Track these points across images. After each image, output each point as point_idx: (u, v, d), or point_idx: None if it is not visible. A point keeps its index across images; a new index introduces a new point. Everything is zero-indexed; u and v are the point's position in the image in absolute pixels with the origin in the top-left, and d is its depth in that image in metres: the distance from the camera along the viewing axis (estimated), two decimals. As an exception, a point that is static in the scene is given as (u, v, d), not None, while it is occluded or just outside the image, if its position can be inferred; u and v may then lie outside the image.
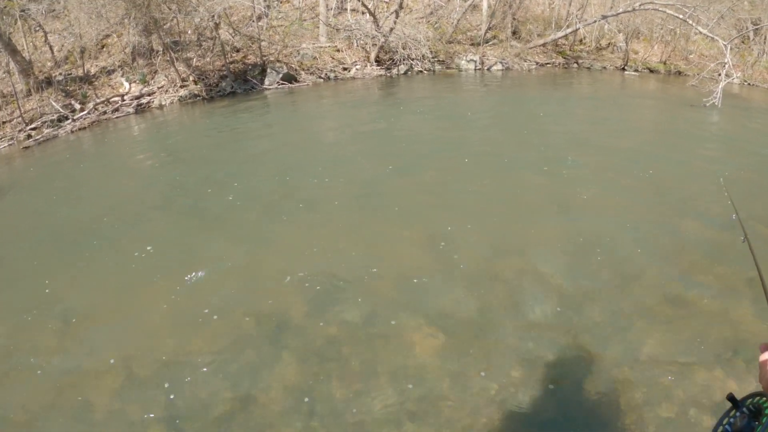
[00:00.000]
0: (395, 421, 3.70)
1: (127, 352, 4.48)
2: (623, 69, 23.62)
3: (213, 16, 16.49)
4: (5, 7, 17.46)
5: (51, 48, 17.90)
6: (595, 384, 4.01)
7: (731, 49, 17.30)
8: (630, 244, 6.00)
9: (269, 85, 16.31)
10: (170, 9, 17.49)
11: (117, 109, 16.36)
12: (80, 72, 17.77)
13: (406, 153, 9.50)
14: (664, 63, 24.70)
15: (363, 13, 18.76)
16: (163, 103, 16.52)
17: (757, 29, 26.43)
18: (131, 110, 16.37)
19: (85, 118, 15.98)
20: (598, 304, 4.91)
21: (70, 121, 15.85)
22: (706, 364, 4.19)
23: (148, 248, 6.22)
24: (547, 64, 21.85)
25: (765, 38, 26.70)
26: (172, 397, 3.99)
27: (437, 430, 3.63)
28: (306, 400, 3.92)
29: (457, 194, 7.52)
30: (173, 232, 6.82)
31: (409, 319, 4.75)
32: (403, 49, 17.70)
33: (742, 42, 26.66)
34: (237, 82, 16.60)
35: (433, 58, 18.43)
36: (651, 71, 24.14)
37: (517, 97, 15.77)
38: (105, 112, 16.27)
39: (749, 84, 24.09)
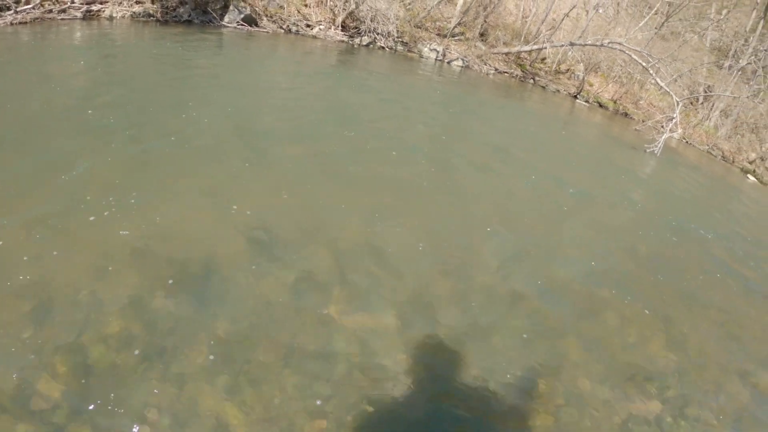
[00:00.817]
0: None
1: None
2: (575, 97, 24.47)
3: None
4: None
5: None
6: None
7: (680, 106, 18.33)
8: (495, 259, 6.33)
9: (228, 23, 15.92)
10: None
11: (64, 11, 15.58)
12: (32, -36, 16.82)
13: (341, 126, 9.48)
14: (615, 102, 25.79)
15: (339, -25, 18.64)
16: (114, 15, 15.85)
17: (708, 96, 28.11)
18: (79, 15, 15.63)
19: (28, 12, 15.13)
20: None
21: (12, 11, 14.99)
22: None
23: (63, 177, 5.69)
24: (506, 72, 22.34)
25: (712, 105, 28.46)
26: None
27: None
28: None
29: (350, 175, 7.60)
30: (98, 163, 6.35)
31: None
32: (371, 21, 17.67)
33: (691, 103, 28.32)
34: (196, 11, 16.08)
35: (398, 37, 18.50)
36: (600, 105, 25.16)
37: (467, 97, 16.08)
38: (51, 11, 15.47)
39: (687, 142, 25.62)
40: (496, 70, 21.79)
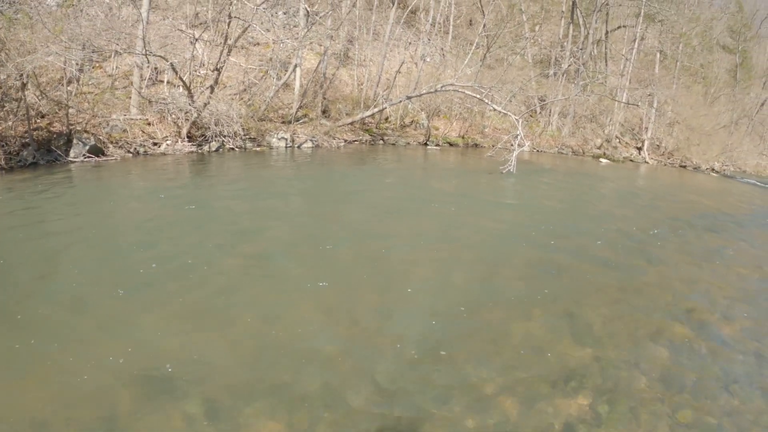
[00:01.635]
0: None
1: None
2: (426, 144, 26.91)
3: (22, 75, 15.99)
4: None
5: None
6: None
7: (522, 122, 20.78)
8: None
9: (75, 158, 16.20)
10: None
11: None
12: None
13: (213, 235, 10.19)
14: (463, 137, 28.54)
15: (177, 86, 19.52)
16: (-47, 169, 15.78)
17: (543, 105, 31.79)
18: None
19: None
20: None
21: None
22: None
23: None
24: (355, 141, 24.24)
25: (550, 111, 32.27)
26: None
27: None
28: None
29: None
30: None
31: None
32: (216, 125, 18.63)
33: (531, 115, 31.88)
34: (40, 151, 16.19)
35: (244, 135, 19.63)
36: (451, 145, 27.84)
37: (324, 174, 17.43)
38: None
39: (538, 150, 29.33)
40: (345, 141, 23.62)
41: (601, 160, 29.36)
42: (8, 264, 9.21)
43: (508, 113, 21.95)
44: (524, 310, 7.58)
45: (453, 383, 5.76)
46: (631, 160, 30.27)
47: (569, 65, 33.11)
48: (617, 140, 32.34)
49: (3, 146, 16.15)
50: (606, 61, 35.81)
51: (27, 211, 12.16)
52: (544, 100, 31.63)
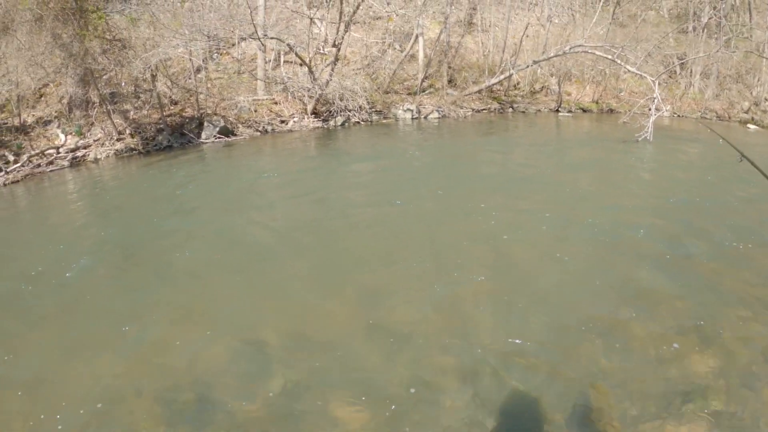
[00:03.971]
0: None
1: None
2: (557, 111, 24.73)
3: (149, 67, 16.63)
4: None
5: (-12, 95, 17.67)
6: None
7: (659, 84, 18.33)
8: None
9: (206, 139, 16.49)
10: (107, 60, 17.59)
11: (51, 162, 16.25)
12: (16, 122, 17.60)
13: (343, 209, 9.68)
14: (596, 102, 25.98)
15: (300, 65, 19.22)
16: (99, 156, 16.50)
17: (683, 63, 28.16)
18: (66, 163, 16.28)
19: (18, 171, 15.81)
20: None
21: (2, 173, 15.67)
22: None
23: (71, 322, 6.12)
24: (483, 110, 22.71)
25: (691, 71, 28.50)
26: None
27: None
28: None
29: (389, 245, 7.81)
30: (98, 298, 6.82)
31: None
32: (341, 100, 18.16)
33: (670, 77, 28.38)
34: (174, 135, 16.71)
35: (370, 108, 18.96)
36: (584, 111, 25.38)
37: (450, 144, 16.38)
38: (39, 165, 16.14)
39: (678, 116, 25.73)
40: (473, 110, 22.18)
41: (749, 126, 25.03)
42: (148, 225, 9.22)
43: (644, 74, 19.39)
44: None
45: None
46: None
47: (709, 18, 29.09)
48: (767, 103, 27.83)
49: (140, 132, 16.77)
50: (750, 13, 31.14)
51: (162, 184, 12.78)
52: (683, 59, 28.00)
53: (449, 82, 22.74)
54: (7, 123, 17.57)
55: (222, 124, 16.75)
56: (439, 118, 20.77)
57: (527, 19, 27.03)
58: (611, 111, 25.69)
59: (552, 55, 21.76)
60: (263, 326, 5.86)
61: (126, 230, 9.38)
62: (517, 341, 5.35)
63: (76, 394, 4.88)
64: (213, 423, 4.46)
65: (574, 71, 25.75)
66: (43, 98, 18.84)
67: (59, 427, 4.47)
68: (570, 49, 21.03)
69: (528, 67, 22.92)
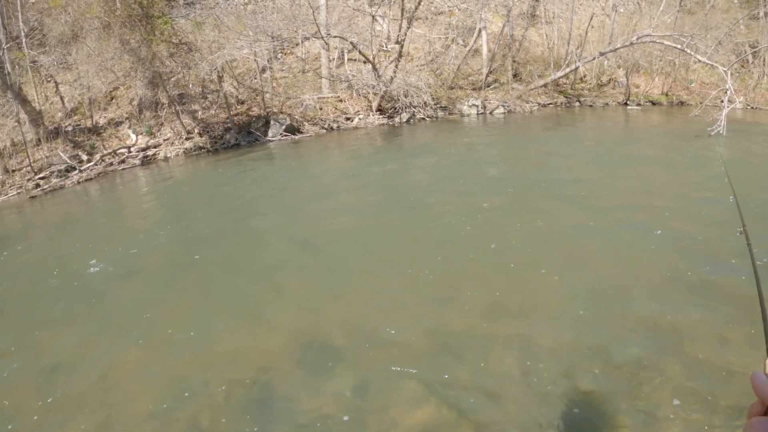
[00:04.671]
0: None
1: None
2: (626, 104, 23.76)
3: (215, 69, 16.81)
4: (16, 58, 17.91)
5: (62, 99, 18.30)
6: None
7: (732, 74, 17.22)
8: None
9: (273, 137, 16.55)
10: (175, 63, 17.90)
11: (123, 161, 16.62)
12: (89, 123, 18.11)
13: (411, 206, 9.38)
14: (666, 95, 24.83)
15: (364, 62, 19.07)
16: (168, 155, 16.77)
17: (755, 52, 26.50)
18: (137, 162, 16.63)
19: (92, 169, 16.25)
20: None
21: (77, 171, 16.13)
22: None
23: (146, 315, 6.11)
24: (549, 104, 22.01)
25: (764, 60, 26.78)
26: None
27: None
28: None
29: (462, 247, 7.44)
30: (172, 292, 6.84)
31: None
32: (405, 96, 17.89)
33: (742, 66, 26.75)
34: (241, 134, 16.86)
35: (435, 104, 18.62)
36: (653, 104, 24.27)
37: (520, 141, 15.75)
38: (111, 164, 16.54)
39: (752, 107, 24.14)
40: (539, 104, 21.51)
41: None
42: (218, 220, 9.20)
43: (715, 64, 18.19)
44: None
45: None
46: None
47: (781, 2, 27.32)
48: None
49: (208, 131, 16.97)
50: (826, -5, 29.14)
51: (231, 180, 12.86)
52: (756, 47, 26.34)
53: (514, 76, 22.13)
54: (80, 125, 18.10)
55: (288, 122, 16.75)
56: (504, 113, 20.20)
57: (592, 9, 26.07)
58: (681, 104, 24.41)
59: (619, 46, 20.87)
60: (329, 323, 5.69)
61: (197, 225, 9.45)
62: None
63: (144, 382, 4.88)
64: (278, 418, 4.33)
65: (642, 62, 24.63)
66: (114, 101, 19.32)
67: (131, 413, 4.48)
68: (637, 39, 20.10)
69: (594, 59, 22.05)
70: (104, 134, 17.93)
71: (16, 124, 17.02)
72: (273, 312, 6.02)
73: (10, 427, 4.48)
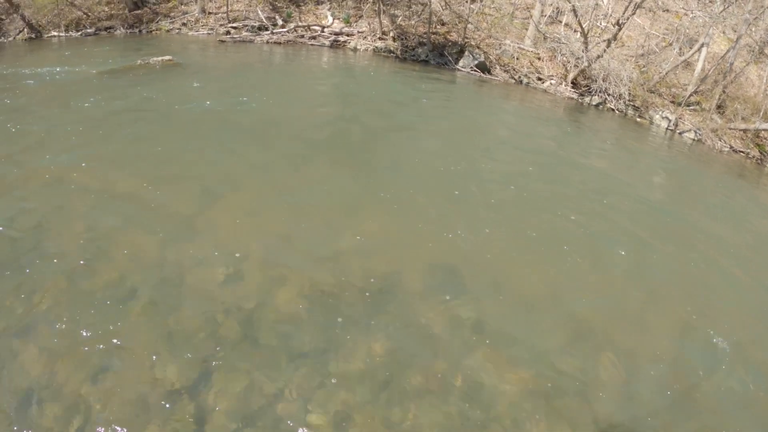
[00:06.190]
0: None
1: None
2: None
3: None
4: None
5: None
6: None
7: None
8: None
9: (462, 67, 16.17)
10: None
11: (314, 38, 16.86)
12: (293, -7, 18.47)
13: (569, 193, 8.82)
14: None
15: (575, 30, 18.07)
16: (358, 47, 16.82)
17: None
18: (326, 43, 16.82)
19: (283, 35, 16.61)
20: None
21: (269, 32, 16.54)
22: None
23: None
24: (741, 152, 20.05)
25: None
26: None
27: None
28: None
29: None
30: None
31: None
32: (603, 81, 16.78)
33: None
34: (433, 53, 16.61)
35: (629, 100, 17.39)
36: None
37: (697, 179, 14.12)
38: (303, 36, 16.82)
39: None
40: (731, 147, 19.62)
41: None
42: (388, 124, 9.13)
43: None
44: None
45: None
46: None
47: None
48: None
49: (402, 39, 16.81)
50: None
51: (413, 91, 12.90)
52: None
53: (718, 107, 20.26)
54: (285, -7, 18.48)
55: (482, 59, 16.24)
56: (693, 140, 18.59)
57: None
58: None
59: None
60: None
61: (363, 116, 9.89)
62: None
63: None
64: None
65: None
66: (320, -20, 19.51)
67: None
68: None
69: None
70: (303, 8, 18.22)
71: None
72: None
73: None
